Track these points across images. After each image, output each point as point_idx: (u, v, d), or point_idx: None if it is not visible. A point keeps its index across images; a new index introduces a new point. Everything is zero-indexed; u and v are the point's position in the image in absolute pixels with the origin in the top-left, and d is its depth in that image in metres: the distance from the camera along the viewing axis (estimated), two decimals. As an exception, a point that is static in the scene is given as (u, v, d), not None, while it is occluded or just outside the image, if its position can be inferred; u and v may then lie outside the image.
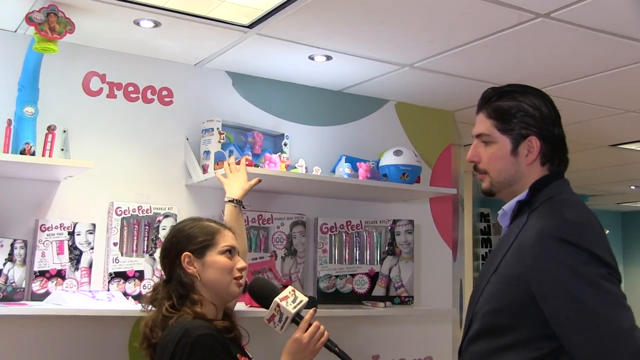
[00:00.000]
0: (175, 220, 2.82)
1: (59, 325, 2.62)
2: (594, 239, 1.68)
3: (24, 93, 2.50)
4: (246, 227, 2.70)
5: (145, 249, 2.81)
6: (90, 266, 2.70)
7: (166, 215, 2.86)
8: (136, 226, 2.81)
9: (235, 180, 2.60)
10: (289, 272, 3.10)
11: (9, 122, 2.49)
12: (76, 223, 2.69)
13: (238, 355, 2.09)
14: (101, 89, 2.87)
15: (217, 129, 2.88)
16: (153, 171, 2.94)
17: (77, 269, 2.67)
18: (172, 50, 2.89)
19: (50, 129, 2.56)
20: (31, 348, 2.59)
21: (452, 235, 3.76)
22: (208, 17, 2.51)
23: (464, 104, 3.55)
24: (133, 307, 2.53)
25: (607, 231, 8.09)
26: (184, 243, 2.17)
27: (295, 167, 2.95)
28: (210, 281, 2.14)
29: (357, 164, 3.10)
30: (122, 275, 2.75)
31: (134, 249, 2.80)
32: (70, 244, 2.66)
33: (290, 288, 2.21)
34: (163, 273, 2.25)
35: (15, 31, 2.69)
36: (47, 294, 2.58)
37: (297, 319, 2.16)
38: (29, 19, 2.35)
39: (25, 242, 2.59)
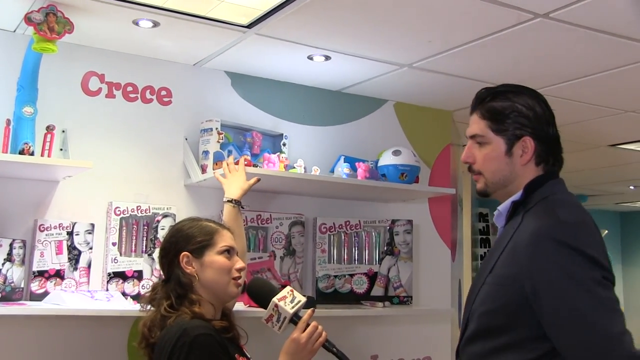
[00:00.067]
0: (174, 220, 2.82)
1: (57, 325, 2.62)
2: (588, 240, 1.68)
3: (23, 93, 2.49)
4: (245, 227, 2.70)
5: (144, 249, 2.81)
6: (89, 266, 2.70)
7: (165, 215, 2.86)
8: (135, 226, 2.81)
9: (234, 181, 2.60)
10: (287, 272, 3.10)
11: (8, 122, 2.49)
12: (75, 223, 2.69)
13: (236, 355, 2.09)
14: (100, 89, 2.87)
15: (216, 129, 2.88)
16: (152, 171, 2.94)
17: (75, 269, 2.67)
18: (171, 50, 2.89)
19: (49, 129, 2.56)
20: (30, 348, 2.59)
21: (450, 235, 3.76)
22: (207, 17, 2.51)
23: (463, 104, 3.55)
24: (132, 307, 2.54)
25: (606, 231, 8.08)
26: (182, 243, 2.17)
27: (294, 167, 2.95)
28: (209, 281, 2.14)
29: (356, 164, 3.10)
30: (121, 275, 2.75)
31: (133, 249, 2.80)
32: (69, 244, 2.66)
33: (288, 288, 2.21)
34: (162, 273, 2.25)
35: (14, 31, 2.69)
36: (45, 293, 2.58)
37: (295, 319, 2.16)
38: (28, 19, 2.35)
39: (24, 242, 2.59)
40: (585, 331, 1.60)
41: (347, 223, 3.27)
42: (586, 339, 1.60)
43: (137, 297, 2.66)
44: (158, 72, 2.99)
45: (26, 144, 2.45)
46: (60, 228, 2.65)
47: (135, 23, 2.57)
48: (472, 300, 1.84)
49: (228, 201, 2.54)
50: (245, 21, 2.56)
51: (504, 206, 1.89)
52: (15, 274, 2.54)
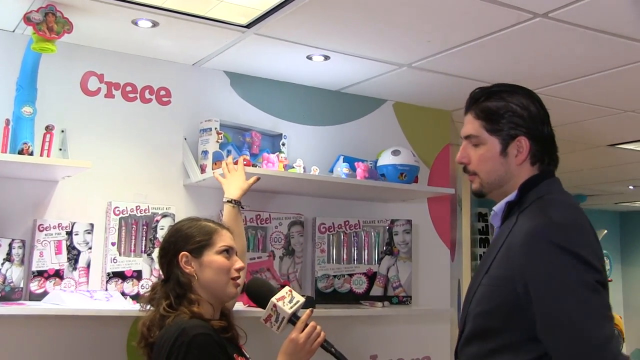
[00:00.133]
0: (173, 220, 2.83)
1: (57, 325, 2.62)
2: (581, 241, 1.67)
3: (22, 93, 2.49)
4: (244, 227, 2.70)
5: (143, 249, 2.81)
6: (88, 266, 2.70)
7: (164, 215, 2.86)
8: (134, 226, 2.81)
9: (234, 181, 2.60)
10: (287, 272, 3.10)
11: (7, 122, 2.49)
12: (74, 223, 2.69)
13: (235, 355, 2.09)
14: (99, 88, 2.87)
15: (215, 128, 2.88)
16: (151, 171, 2.94)
17: (75, 268, 2.67)
18: (170, 50, 2.89)
19: (49, 129, 2.56)
20: (29, 348, 2.59)
21: (450, 235, 3.76)
22: (206, 17, 2.51)
23: (462, 104, 3.48)
24: (131, 307, 2.54)
25: (605, 231, 8.08)
26: (181, 243, 2.17)
27: (293, 167, 2.95)
28: (208, 281, 2.14)
29: (355, 163, 3.10)
30: (120, 275, 2.75)
31: (132, 248, 2.80)
32: (68, 244, 2.66)
33: (287, 288, 2.21)
34: (161, 273, 2.25)
35: (14, 31, 2.69)
36: (45, 293, 2.58)
37: (293, 319, 2.16)
38: (27, 19, 2.35)
39: (23, 241, 2.59)
40: (571, 336, 1.60)
41: (347, 223, 3.27)
42: (571, 343, 1.59)
43: (136, 297, 2.66)
44: (157, 72, 2.99)
45: (25, 143, 2.45)
46: (60, 228, 2.65)
47: (135, 23, 2.57)
48: (469, 301, 1.84)
49: (228, 201, 2.54)
50: (245, 21, 2.56)
51: (498, 207, 1.88)
52: (15, 273, 2.54)
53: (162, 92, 3.00)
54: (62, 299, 2.48)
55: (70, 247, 2.67)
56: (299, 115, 3.34)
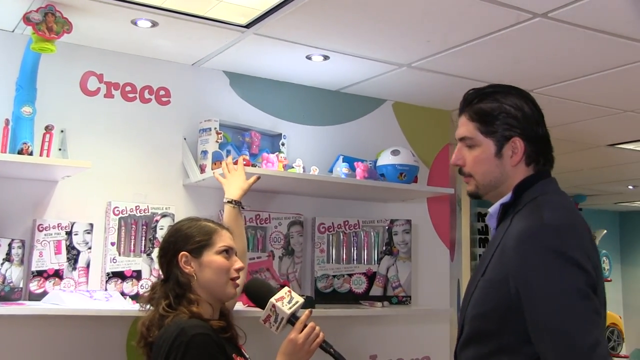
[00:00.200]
0: (173, 220, 2.82)
1: (56, 325, 2.62)
2: (572, 243, 1.66)
3: (21, 93, 2.49)
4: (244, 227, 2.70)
5: (142, 249, 2.81)
6: (88, 266, 2.70)
7: (164, 215, 2.86)
8: (134, 226, 2.81)
9: (234, 181, 2.60)
10: (286, 272, 3.10)
11: (7, 121, 2.49)
12: (74, 223, 2.69)
13: (234, 355, 2.09)
14: (99, 88, 2.87)
15: (215, 128, 2.88)
16: (151, 171, 2.94)
17: (74, 268, 2.67)
18: (170, 50, 2.89)
19: (48, 129, 2.56)
20: (29, 348, 2.59)
21: (449, 235, 3.75)
22: (205, 17, 2.51)
23: (461, 104, 3.55)
24: (130, 307, 2.54)
25: (604, 231, 8.07)
26: (181, 243, 2.17)
27: (293, 167, 2.95)
28: (207, 281, 2.14)
29: (355, 163, 3.10)
30: (120, 275, 2.75)
31: (132, 248, 2.80)
32: (67, 244, 2.66)
33: (286, 289, 2.21)
34: (160, 272, 2.25)
35: (13, 31, 2.69)
36: (44, 293, 2.58)
37: (292, 319, 2.16)
38: (26, 19, 2.35)
39: (22, 241, 2.59)
40: (558, 341, 1.58)
41: (346, 223, 3.27)
42: (558, 349, 1.58)
43: (135, 297, 2.66)
44: (157, 72, 2.99)
45: (25, 143, 2.45)
46: (59, 228, 2.65)
47: (134, 23, 2.57)
48: (466, 303, 1.83)
49: (228, 202, 2.54)
50: (244, 21, 2.56)
51: (493, 208, 1.88)
52: (14, 273, 2.54)
53: (162, 92, 3.00)
54: (62, 299, 2.48)
55: (70, 247, 2.67)
56: (299, 115, 3.33)
